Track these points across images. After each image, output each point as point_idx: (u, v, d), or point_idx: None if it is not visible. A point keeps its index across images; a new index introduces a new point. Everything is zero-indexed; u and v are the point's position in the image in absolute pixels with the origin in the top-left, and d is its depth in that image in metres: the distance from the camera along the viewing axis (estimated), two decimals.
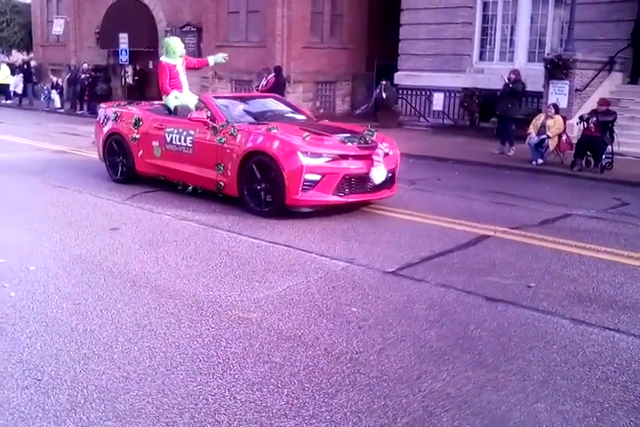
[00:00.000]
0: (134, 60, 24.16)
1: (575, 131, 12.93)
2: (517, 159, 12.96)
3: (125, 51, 21.37)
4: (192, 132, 8.25)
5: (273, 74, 17.60)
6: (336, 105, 22.37)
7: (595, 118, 11.61)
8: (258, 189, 7.60)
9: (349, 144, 7.62)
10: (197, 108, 8.86)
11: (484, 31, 18.69)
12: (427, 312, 4.73)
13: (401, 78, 19.63)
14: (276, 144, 7.42)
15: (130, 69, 25.07)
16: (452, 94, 18.06)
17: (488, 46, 18.73)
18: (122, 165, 9.36)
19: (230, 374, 3.70)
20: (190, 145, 8.27)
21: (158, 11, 24.40)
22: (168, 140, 8.56)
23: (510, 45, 18.27)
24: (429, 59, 19.10)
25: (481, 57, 18.84)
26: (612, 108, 12.02)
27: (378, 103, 18.62)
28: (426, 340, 4.25)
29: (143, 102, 11.08)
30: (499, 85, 14.67)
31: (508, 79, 13.99)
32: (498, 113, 14.42)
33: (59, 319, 4.42)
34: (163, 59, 9.50)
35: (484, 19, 18.65)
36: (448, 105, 18.17)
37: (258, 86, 17.80)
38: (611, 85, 15.23)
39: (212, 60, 10.09)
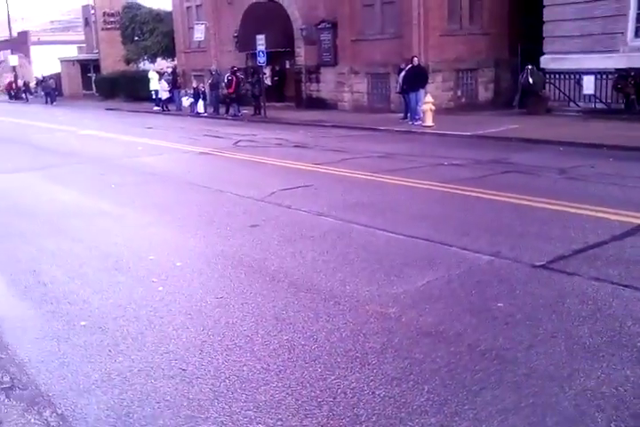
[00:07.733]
0: (271, 61, 24.65)
1: None
2: None
3: (263, 52, 21.67)
4: None
5: (411, 64, 17.52)
6: (478, 93, 21.70)
7: None
8: None
9: None
10: None
11: None
12: (579, 307, 4.39)
13: (547, 62, 18.68)
14: None
15: (268, 71, 25.70)
16: (604, 76, 16.88)
17: None
18: None
19: (369, 369, 3.62)
20: None
21: (293, 10, 24.82)
22: None
23: None
24: (577, 40, 17.96)
25: (637, 34, 17.39)
26: None
27: (524, 89, 17.90)
28: (578, 336, 3.94)
29: None
30: None
31: None
32: None
33: (203, 312, 4.55)
34: None
35: None
36: (600, 88, 17.02)
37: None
38: None
39: None
